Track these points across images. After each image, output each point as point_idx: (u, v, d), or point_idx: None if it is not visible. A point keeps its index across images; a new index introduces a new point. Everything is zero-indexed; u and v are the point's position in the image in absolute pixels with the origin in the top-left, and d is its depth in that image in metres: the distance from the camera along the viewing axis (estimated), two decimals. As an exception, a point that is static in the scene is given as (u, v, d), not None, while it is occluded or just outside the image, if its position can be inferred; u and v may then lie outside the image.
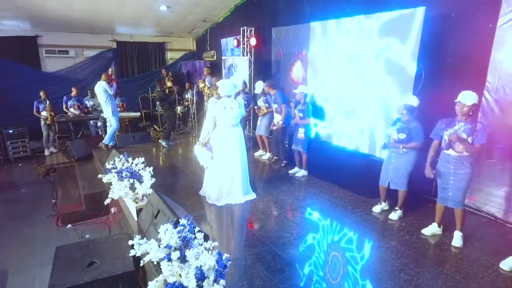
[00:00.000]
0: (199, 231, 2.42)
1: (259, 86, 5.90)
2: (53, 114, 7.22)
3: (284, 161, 5.75)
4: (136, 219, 3.48)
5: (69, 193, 5.46)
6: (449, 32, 3.93)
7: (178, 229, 2.40)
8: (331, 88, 5.51)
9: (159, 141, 7.35)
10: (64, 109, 7.58)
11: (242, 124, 4.43)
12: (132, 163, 3.87)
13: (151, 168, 3.75)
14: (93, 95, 8.16)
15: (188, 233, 2.42)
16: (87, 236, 4.28)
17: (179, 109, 8.75)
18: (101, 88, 6.19)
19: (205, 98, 8.36)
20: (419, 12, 3.86)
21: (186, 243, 2.37)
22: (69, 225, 4.58)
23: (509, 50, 3.51)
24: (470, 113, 3.04)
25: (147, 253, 2.30)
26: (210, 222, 3.76)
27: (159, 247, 2.30)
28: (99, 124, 8.09)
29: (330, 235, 3.45)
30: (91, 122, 8.06)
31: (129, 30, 9.68)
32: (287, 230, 3.49)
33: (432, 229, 3.44)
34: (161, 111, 7.43)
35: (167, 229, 2.41)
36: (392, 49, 4.30)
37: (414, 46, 3.99)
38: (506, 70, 3.55)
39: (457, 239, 3.23)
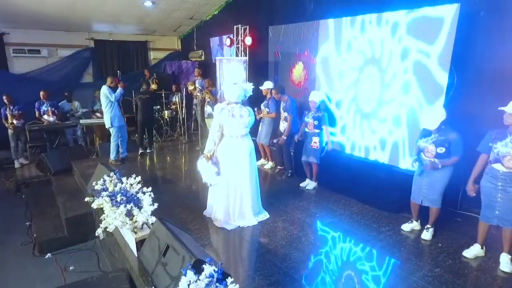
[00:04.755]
0: (232, 282, 1.90)
1: (268, 86, 5.39)
2: (14, 123, 6.36)
3: (290, 171, 5.29)
4: (135, 253, 2.89)
5: (46, 214, 4.71)
6: (479, 32, 3.61)
7: (205, 281, 1.87)
8: (346, 93, 5.06)
9: (147, 151, 6.73)
10: (37, 116, 6.73)
11: None
12: (127, 183, 3.26)
13: (150, 189, 3.17)
14: (70, 99, 7.40)
15: (217, 284, 1.90)
16: (71, 268, 3.62)
17: (166, 113, 8.10)
18: (102, 93, 5.58)
19: (195, 102, 7.79)
20: (452, 10, 3.49)
21: (216, 300, 1.86)
22: (49, 255, 3.89)
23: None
24: None
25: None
26: (222, 252, 3.23)
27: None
28: (78, 132, 7.30)
29: (365, 262, 3.02)
30: (68, 129, 7.25)
31: (108, 28, 8.88)
32: (315, 259, 3.03)
33: (474, 251, 3.08)
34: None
35: (190, 281, 1.87)
36: (420, 51, 3.91)
37: (446, 47, 3.62)
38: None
39: (506, 263, 2.89)
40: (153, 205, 2.95)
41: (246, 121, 3.54)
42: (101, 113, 7.44)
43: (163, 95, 8.08)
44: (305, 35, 5.80)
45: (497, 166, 2.78)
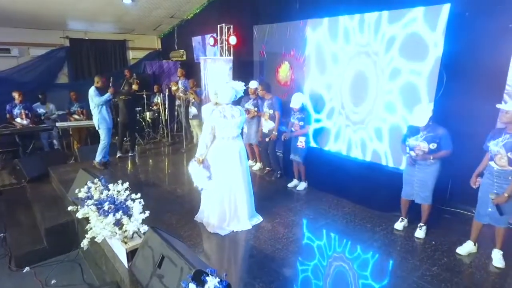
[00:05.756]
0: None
1: (254, 85, 5.29)
2: None
3: (279, 172, 5.23)
4: (126, 265, 2.73)
5: (22, 225, 4.40)
6: (463, 32, 3.67)
7: (211, 294, 1.76)
8: (334, 92, 5.04)
9: (128, 154, 6.48)
10: (9, 119, 6.31)
11: None
12: (114, 190, 3.07)
13: (139, 195, 3.01)
14: (44, 101, 7.02)
15: (222, 297, 1.80)
16: (53, 282, 3.39)
17: (147, 115, 7.83)
18: (89, 93, 5.32)
19: (178, 103, 7.58)
20: (444, 10, 3.52)
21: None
22: (27, 268, 3.62)
23: (533, 52, 3.32)
24: None
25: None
26: (217, 259, 3.10)
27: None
28: (53, 135, 6.91)
29: (364, 263, 2.99)
30: (43, 133, 6.85)
31: (84, 26, 8.49)
32: (317, 265, 2.96)
33: (467, 248, 3.13)
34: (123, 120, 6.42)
35: (194, 296, 1.76)
36: (412, 50, 3.94)
37: (437, 47, 3.67)
38: (529, 73, 3.37)
39: (498, 259, 2.95)
40: (144, 213, 2.79)
41: (238, 121, 3.44)
42: (79, 115, 7.15)
43: (144, 96, 7.81)
44: (291, 35, 5.76)
45: (492, 163, 2.84)
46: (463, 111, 3.75)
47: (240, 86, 3.50)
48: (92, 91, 5.29)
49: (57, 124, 6.55)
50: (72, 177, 4.67)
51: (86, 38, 8.82)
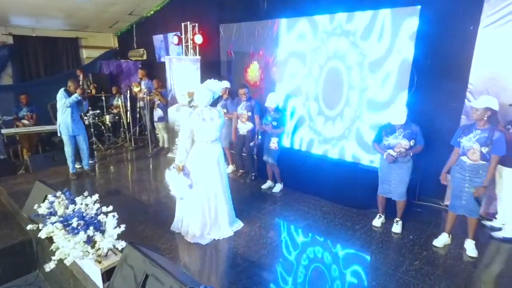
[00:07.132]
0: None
1: (226, 85, 5.12)
2: None
3: (253, 174, 5.12)
4: (101, 286, 2.45)
5: (-33, 247, 3.85)
6: (428, 33, 3.84)
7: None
8: (307, 92, 5.04)
9: (89, 162, 5.95)
10: None
11: None
12: (82, 204, 2.76)
13: (111, 207, 2.73)
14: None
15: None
16: (9, 311, 2.99)
17: (107, 118, 7.30)
18: (57, 96, 4.84)
19: (140, 105, 7.16)
20: (415, 11, 3.65)
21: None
22: (-24, 298, 3.17)
23: (491, 53, 3.55)
24: (485, 118, 2.89)
25: None
26: (201, 271, 2.91)
27: None
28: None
29: (351, 263, 2.99)
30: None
31: (30, 22, 7.71)
32: (302, 265, 2.91)
33: (443, 240, 3.27)
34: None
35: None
36: (384, 50, 4.04)
37: (408, 47, 3.80)
38: (489, 73, 3.60)
39: (471, 249, 3.12)
40: (119, 227, 2.53)
41: (217, 123, 3.28)
42: (29, 120, 6.48)
43: (103, 98, 7.28)
44: (259, 34, 5.69)
45: (464, 158, 2.98)
46: (431, 108, 3.93)
47: (215, 85, 3.34)
48: (60, 92, 4.81)
49: (2, 131, 5.86)
50: (24, 190, 4.19)
51: (34, 35, 8.03)
